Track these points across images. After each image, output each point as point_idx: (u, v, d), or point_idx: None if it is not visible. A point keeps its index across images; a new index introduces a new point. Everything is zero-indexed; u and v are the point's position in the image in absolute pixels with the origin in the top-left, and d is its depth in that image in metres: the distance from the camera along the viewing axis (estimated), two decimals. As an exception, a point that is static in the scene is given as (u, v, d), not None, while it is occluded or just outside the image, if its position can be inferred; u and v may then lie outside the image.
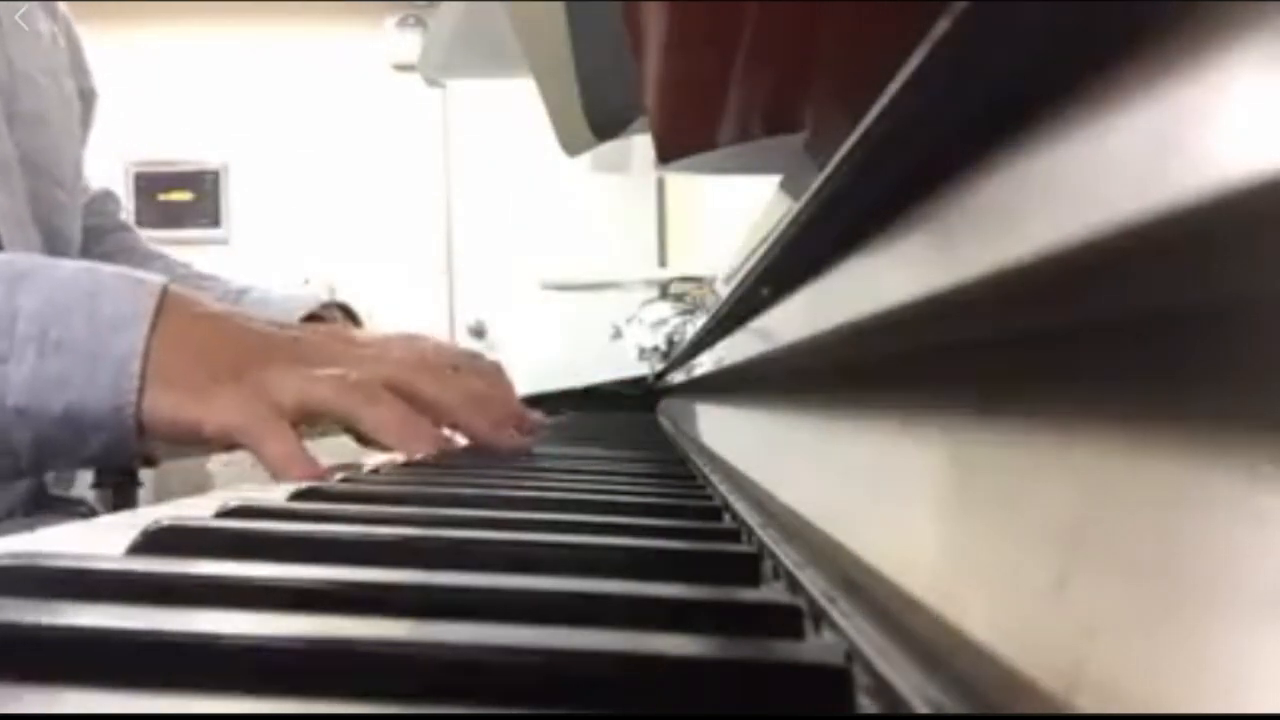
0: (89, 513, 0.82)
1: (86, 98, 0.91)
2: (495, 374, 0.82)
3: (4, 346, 0.58)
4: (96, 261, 0.68)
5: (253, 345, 0.64)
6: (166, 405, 0.59)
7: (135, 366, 0.59)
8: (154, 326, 0.60)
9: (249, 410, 0.59)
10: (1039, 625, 0.14)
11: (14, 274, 0.60)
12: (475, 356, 0.83)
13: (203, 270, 0.97)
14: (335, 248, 3.63)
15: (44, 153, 0.84)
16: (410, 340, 0.77)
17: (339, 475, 0.51)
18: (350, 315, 0.93)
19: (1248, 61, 0.09)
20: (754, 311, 0.42)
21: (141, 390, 0.59)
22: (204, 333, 0.62)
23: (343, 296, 1.01)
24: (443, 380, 0.69)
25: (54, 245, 0.83)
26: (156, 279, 0.63)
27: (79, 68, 0.91)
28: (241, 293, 0.90)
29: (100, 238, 0.95)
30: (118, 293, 0.61)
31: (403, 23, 3.64)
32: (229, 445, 0.61)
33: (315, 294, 0.93)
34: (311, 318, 0.87)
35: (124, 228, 1.00)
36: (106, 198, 0.99)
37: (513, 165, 3.43)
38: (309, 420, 0.61)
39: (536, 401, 1.25)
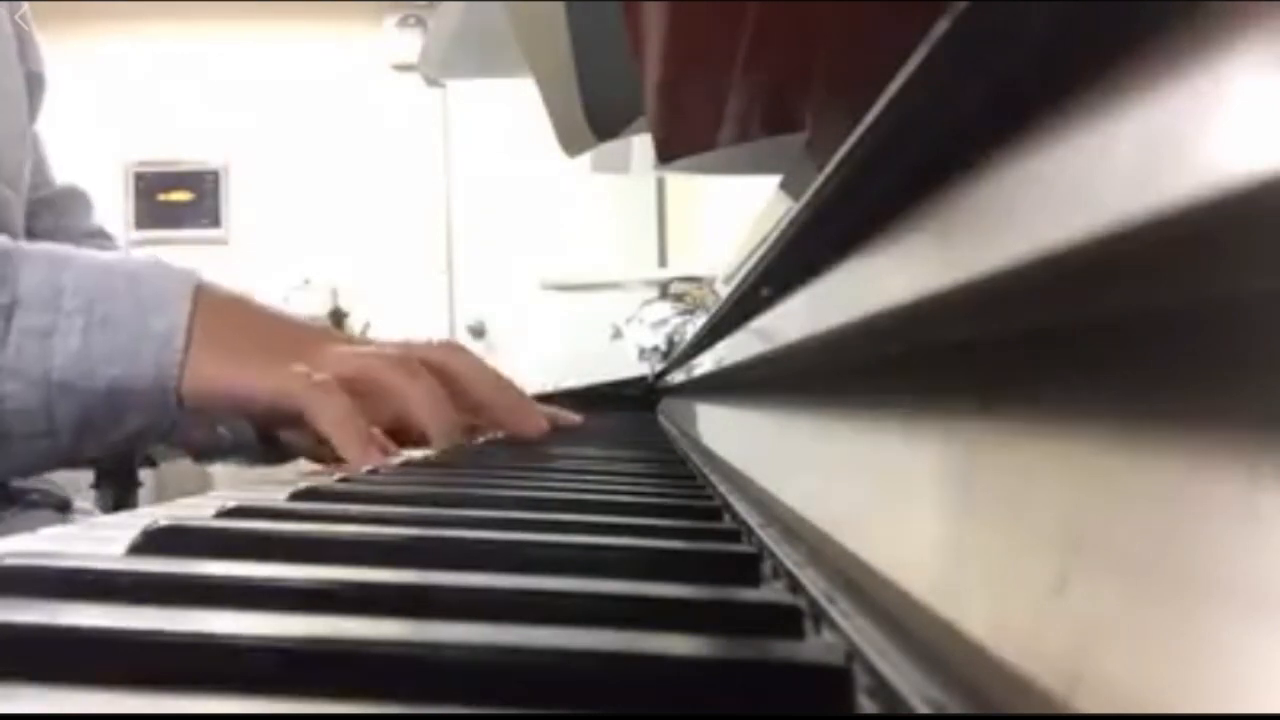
0: (59, 504, 0.81)
1: (33, 83, 0.87)
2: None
3: (49, 320, 0.58)
4: None
5: (290, 326, 0.65)
6: (212, 376, 0.60)
7: (179, 341, 0.60)
8: (194, 307, 0.61)
9: (301, 377, 0.59)
10: (1039, 625, 0.14)
11: (55, 255, 0.61)
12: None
13: (200, 273, 0.94)
14: (335, 248, 3.63)
15: None
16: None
17: (338, 475, 0.51)
18: None
19: (1248, 61, 0.09)
20: (754, 311, 0.42)
21: (184, 365, 0.60)
22: (242, 313, 0.64)
23: (343, 296, 1.00)
24: (473, 363, 0.69)
25: None
26: (187, 269, 0.64)
27: (27, 55, 0.88)
28: None
29: (73, 242, 0.91)
30: (156, 276, 0.62)
31: (403, 23, 3.64)
32: (273, 421, 0.62)
33: None
34: None
35: (101, 234, 0.93)
36: (72, 196, 0.92)
37: (513, 165, 3.43)
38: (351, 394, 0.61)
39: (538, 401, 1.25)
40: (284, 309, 0.72)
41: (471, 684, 0.17)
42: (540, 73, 0.49)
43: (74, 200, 0.92)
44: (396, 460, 0.58)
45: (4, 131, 0.82)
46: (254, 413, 0.63)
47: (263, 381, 0.60)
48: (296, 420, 0.61)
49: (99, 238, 0.92)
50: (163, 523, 0.28)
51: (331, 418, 0.58)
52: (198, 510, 0.35)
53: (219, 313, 0.62)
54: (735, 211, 1.18)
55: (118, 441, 0.64)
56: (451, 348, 0.70)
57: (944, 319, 0.19)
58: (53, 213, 0.90)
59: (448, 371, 0.66)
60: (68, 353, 0.58)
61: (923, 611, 0.18)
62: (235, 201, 3.74)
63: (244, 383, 0.60)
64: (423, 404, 0.62)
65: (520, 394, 0.73)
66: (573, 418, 0.85)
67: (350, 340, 0.68)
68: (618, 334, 1.72)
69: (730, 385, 0.62)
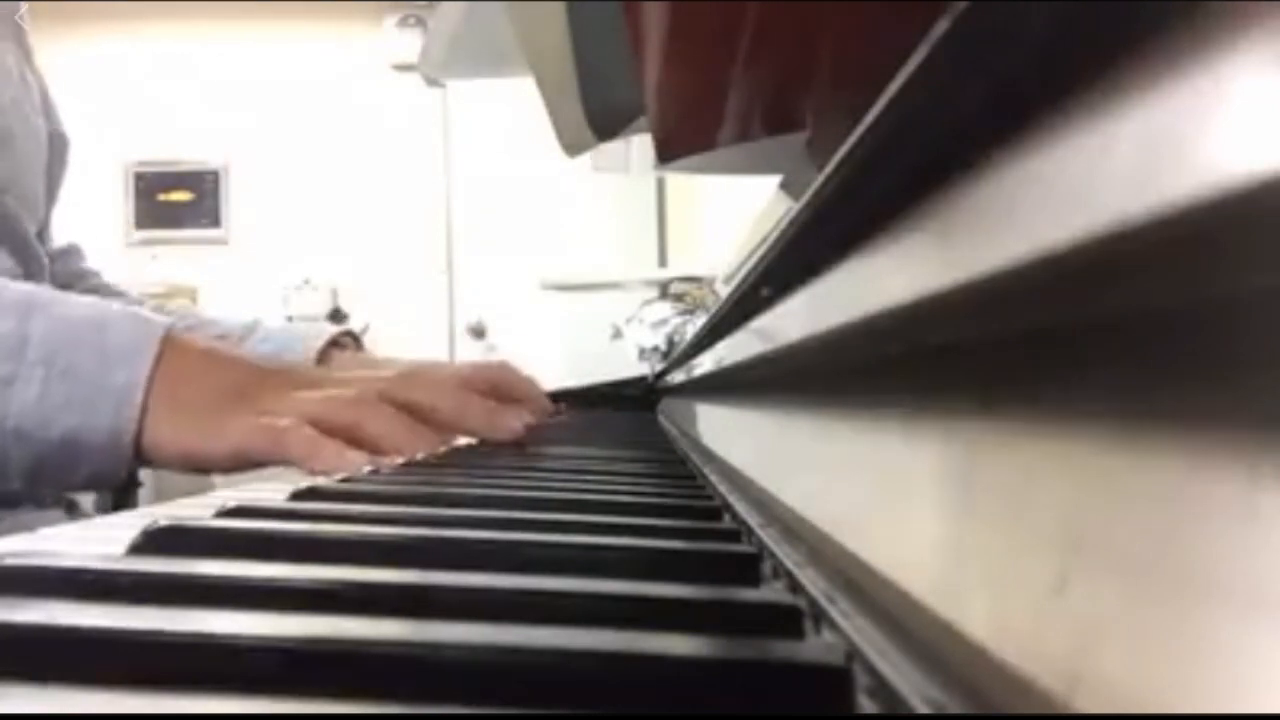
0: (64, 505, 0.82)
1: (57, 142, 0.91)
2: (503, 371, 0.81)
3: (10, 369, 0.60)
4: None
5: (249, 376, 0.66)
6: (168, 440, 0.62)
7: (137, 397, 0.61)
8: (158, 360, 0.62)
9: (259, 428, 0.61)
10: (1039, 625, 0.14)
11: (28, 304, 0.63)
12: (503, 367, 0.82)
13: (200, 273, 0.97)
14: (335, 248, 3.63)
15: (9, 170, 0.83)
16: (418, 366, 0.78)
17: (339, 476, 0.51)
18: (357, 342, 0.94)
19: (1248, 61, 0.09)
20: (754, 311, 0.42)
21: (142, 420, 0.61)
22: (204, 367, 0.65)
23: (343, 296, 1.01)
24: (434, 388, 0.70)
25: (28, 266, 0.83)
26: (160, 319, 0.65)
27: (49, 114, 0.91)
28: (248, 329, 0.90)
29: (79, 281, 0.94)
30: (125, 327, 0.63)
31: (403, 23, 3.64)
32: (240, 468, 0.63)
33: (327, 326, 0.93)
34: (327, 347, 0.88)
35: (97, 274, 1.00)
36: (73, 253, 0.98)
37: (513, 165, 3.43)
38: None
39: None
40: (249, 355, 0.73)
41: (471, 684, 0.17)
42: (540, 73, 0.49)
43: (72, 255, 0.98)
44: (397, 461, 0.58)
45: (28, 163, 0.85)
46: (213, 470, 0.65)
47: (220, 444, 0.61)
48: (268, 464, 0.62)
49: (91, 275, 0.98)
50: (163, 523, 0.28)
51: (300, 453, 0.59)
52: (198, 510, 0.35)
53: (183, 368, 0.63)
54: (735, 211, 1.19)
55: (80, 484, 0.66)
56: (407, 378, 0.70)
57: (944, 319, 0.19)
58: (60, 264, 0.95)
59: (409, 404, 0.67)
60: (25, 401, 0.60)
61: (923, 611, 0.18)
62: (235, 201, 3.74)
63: (200, 447, 0.62)
64: (387, 433, 0.63)
65: (480, 401, 0.72)
66: (546, 404, 0.85)
67: (315, 382, 0.68)
68: (618, 334, 1.72)
69: (730, 385, 0.62)
